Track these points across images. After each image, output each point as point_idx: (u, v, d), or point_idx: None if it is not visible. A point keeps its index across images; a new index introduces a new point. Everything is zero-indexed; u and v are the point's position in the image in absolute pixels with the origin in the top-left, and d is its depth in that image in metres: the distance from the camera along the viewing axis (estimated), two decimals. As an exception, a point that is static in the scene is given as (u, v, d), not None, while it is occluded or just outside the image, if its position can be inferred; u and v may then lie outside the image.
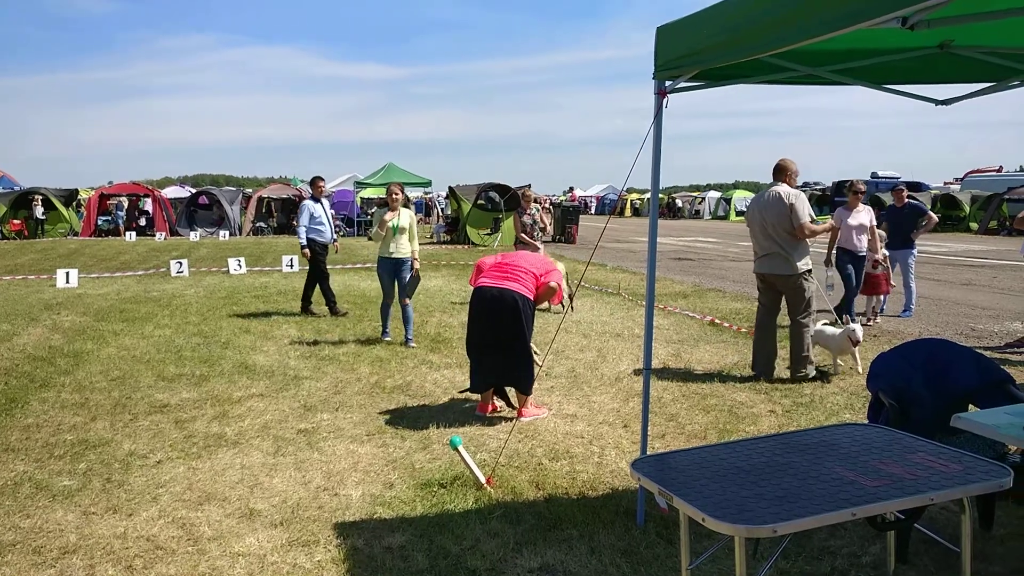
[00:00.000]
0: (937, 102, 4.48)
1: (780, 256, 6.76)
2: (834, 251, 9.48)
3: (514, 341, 5.62)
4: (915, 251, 10.28)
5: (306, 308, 10.56)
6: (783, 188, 6.84)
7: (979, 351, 4.21)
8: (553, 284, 5.84)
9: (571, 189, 53.35)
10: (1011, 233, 27.17)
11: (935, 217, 10.58)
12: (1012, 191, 29.90)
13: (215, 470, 4.68)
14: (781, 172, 6.94)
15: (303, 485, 4.45)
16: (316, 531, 3.84)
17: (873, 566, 3.43)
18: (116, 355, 7.89)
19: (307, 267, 10.66)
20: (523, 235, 11.33)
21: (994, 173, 40.31)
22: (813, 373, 6.85)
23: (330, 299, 10.56)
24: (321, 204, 10.39)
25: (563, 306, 10.89)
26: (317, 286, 10.48)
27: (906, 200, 10.44)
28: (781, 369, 7.05)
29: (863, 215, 9.48)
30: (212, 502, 4.20)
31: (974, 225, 31.71)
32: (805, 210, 6.72)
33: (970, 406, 3.96)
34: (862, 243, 9.43)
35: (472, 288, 5.93)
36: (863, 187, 9.71)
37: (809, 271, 6.82)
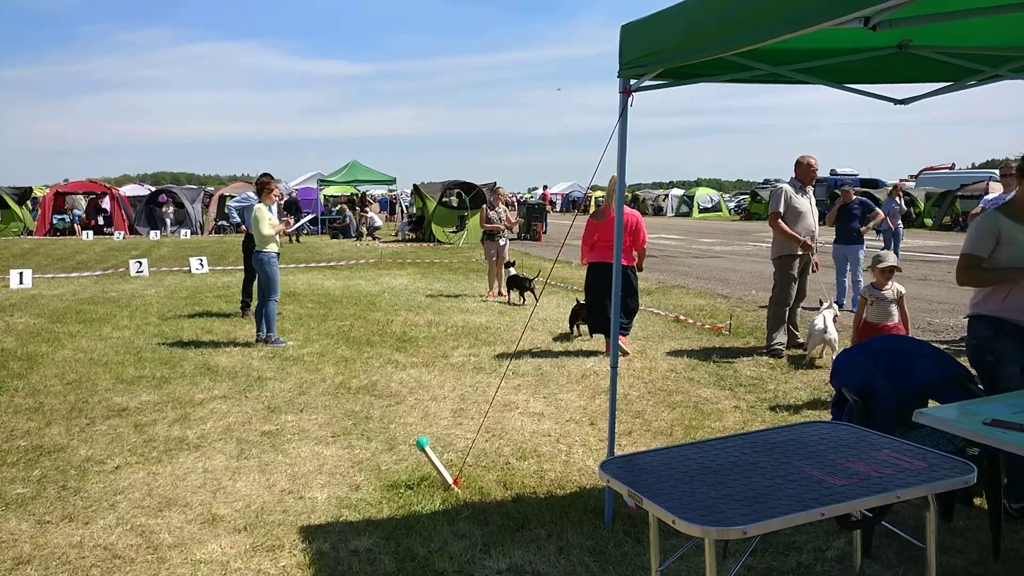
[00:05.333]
0: (896, 101, 4.55)
1: (772, 240, 7.99)
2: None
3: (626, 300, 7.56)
4: (864, 246, 10.49)
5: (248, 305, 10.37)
6: (783, 184, 7.99)
7: (936, 345, 4.29)
8: (645, 247, 7.86)
9: (545, 187, 53.00)
10: (964, 229, 27.85)
11: (882, 213, 10.95)
12: (965, 188, 30.63)
13: (176, 475, 4.58)
14: (794, 168, 7.90)
15: (267, 489, 4.37)
16: (281, 536, 3.77)
17: (838, 560, 3.47)
18: (72, 358, 7.69)
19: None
20: (487, 225, 12.03)
21: (947, 170, 41.27)
22: (774, 346, 7.72)
23: (247, 299, 10.32)
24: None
25: (525, 299, 10.93)
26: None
27: (854, 197, 10.68)
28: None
29: None
30: (173, 508, 4.10)
31: (929, 221, 32.43)
32: (776, 204, 7.75)
33: (930, 401, 4.03)
34: None
35: (587, 264, 7.84)
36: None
37: (781, 257, 7.78)
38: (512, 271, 11.50)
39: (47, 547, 3.66)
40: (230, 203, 10.41)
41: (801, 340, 8.01)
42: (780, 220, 7.68)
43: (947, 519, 3.77)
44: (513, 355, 7.41)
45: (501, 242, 11.97)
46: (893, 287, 6.26)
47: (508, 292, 11.59)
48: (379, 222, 28.94)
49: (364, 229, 27.76)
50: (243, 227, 10.27)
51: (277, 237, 8.38)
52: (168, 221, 29.54)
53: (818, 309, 7.58)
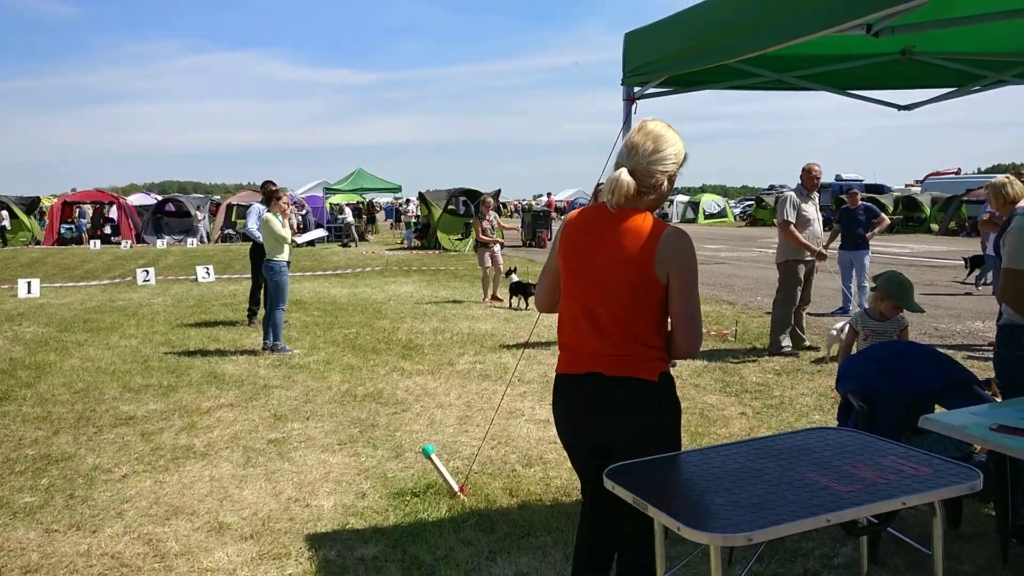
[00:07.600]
0: (899, 107, 4.56)
1: (777, 245, 8.25)
2: None
3: None
4: (870, 252, 10.48)
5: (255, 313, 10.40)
6: (789, 191, 8.22)
7: (942, 351, 4.28)
8: None
9: (550, 195, 53.12)
10: (970, 234, 27.79)
11: (887, 218, 10.92)
12: (970, 193, 30.58)
13: (183, 483, 4.59)
14: (801, 175, 8.15)
15: (274, 496, 4.38)
16: (287, 543, 3.78)
17: (845, 567, 3.46)
18: (80, 366, 7.72)
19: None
20: (482, 236, 12.25)
21: (953, 175, 41.23)
22: (783, 348, 7.92)
23: (254, 307, 10.34)
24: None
25: (529, 304, 10.96)
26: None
27: (859, 202, 10.66)
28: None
29: None
30: (180, 516, 4.12)
31: (935, 226, 32.38)
32: (784, 211, 7.93)
33: (936, 406, 4.02)
34: None
35: None
36: None
37: (787, 262, 7.97)
38: (515, 277, 11.62)
39: (55, 556, 3.67)
40: (249, 226, 10.34)
41: (808, 344, 8.14)
42: (791, 227, 7.86)
43: (954, 525, 3.75)
44: (518, 362, 7.40)
45: (495, 248, 12.28)
46: (897, 317, 4.78)
47: (510, 297, 11.71)
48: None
49: (370, 236, 27.77)
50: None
51: (287, 245, 8.41)
52: (201, 227, 29.63)
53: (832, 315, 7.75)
